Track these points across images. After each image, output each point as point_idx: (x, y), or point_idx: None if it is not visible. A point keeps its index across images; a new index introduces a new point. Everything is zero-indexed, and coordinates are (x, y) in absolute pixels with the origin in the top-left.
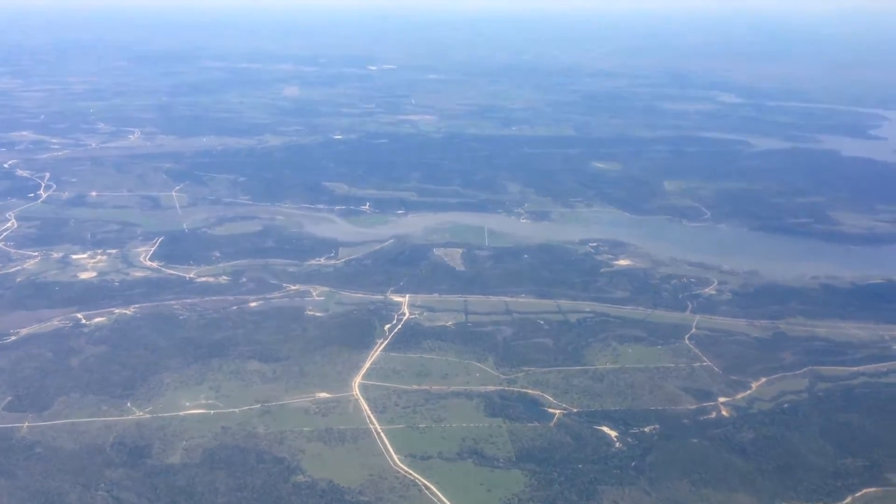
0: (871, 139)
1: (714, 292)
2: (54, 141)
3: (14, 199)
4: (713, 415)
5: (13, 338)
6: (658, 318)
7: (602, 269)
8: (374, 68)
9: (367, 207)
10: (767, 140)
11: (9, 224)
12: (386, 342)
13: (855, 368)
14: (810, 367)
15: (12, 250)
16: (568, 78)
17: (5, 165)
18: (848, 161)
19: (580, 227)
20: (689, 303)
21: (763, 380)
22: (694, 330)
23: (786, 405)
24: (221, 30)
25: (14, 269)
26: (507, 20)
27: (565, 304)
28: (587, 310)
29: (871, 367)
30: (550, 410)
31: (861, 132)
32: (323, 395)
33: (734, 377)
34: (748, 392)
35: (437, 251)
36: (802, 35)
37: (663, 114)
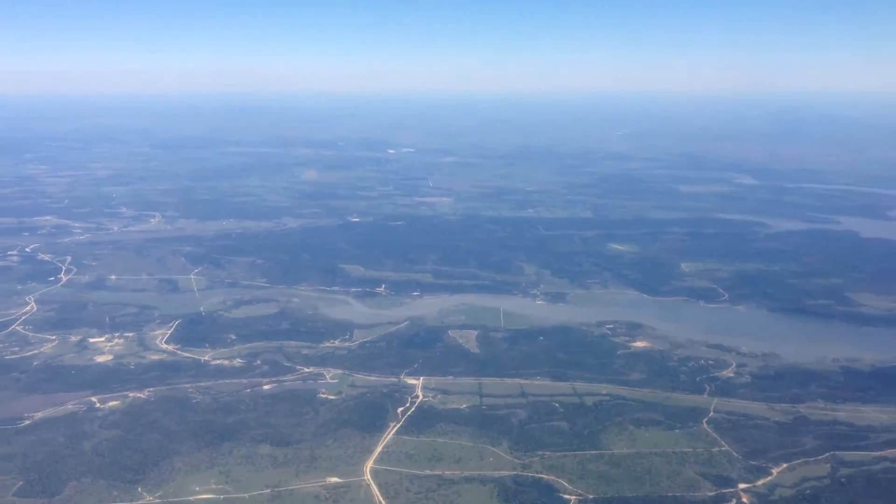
0: (890, 220)
1: (732, 375)
2: (77, 225)
3: (34, 283)
4: (733, 502)
5: (27, 422)
6: (675, 401)
7: (619, 351)
8: (392, 152)
9: (382, 289)
10: (785, 221)
11: (28, 308)
12: (399, 425)
13: (878, 453)
14: (832, 452)
15: (31, 334)
16: (583, 160)
17: (27, 249)
18: (867, 242)
19: (597, 309)
20: (706, 385)
21: (784, 465)
22: (712, 413)
23: (808, 492)
24: (243, 117)
25: (31, 353)
26: (522, 104)
27: (581, 386)
28: (603, 392)
29: (893, 452)
30: (566, 497)
31: (880, 213)
32: (334, 479)
33: (754, 462)
34: (769, 478)
35: (452, 333)
36: (817, 116)
37: (679, 196)
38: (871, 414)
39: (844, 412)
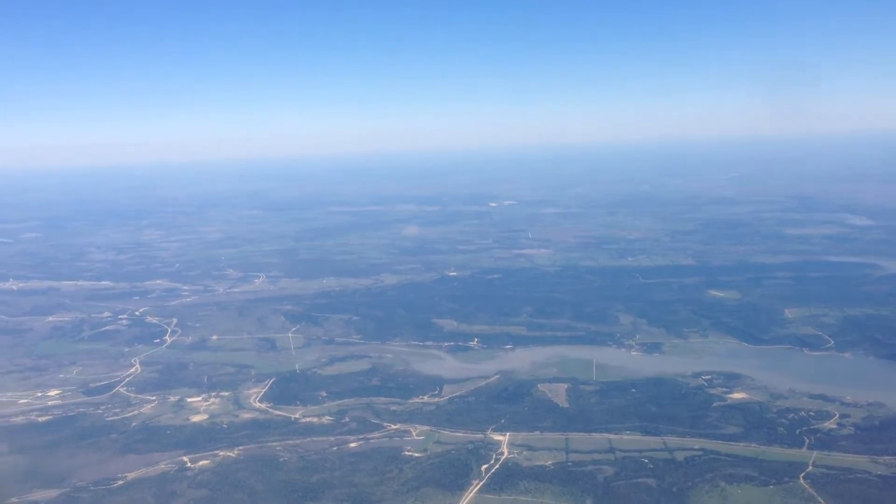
0: None
1: (835, 426)
2: (185, 288)
3: (141, 346)
4: None
5: (120, 482)
6: (772, 456)
7: (714, 403)
8: (494, 205)
9: (475, 343)
10: None
11: (133, 369)
12: (481, 483)
13: None
14: None
15: (132, 395)
16: (688, 206)
17: (136, 313)
18: None
19: (693, 359)
20: (806, 438)
21: None
22: (810, 468)
23: None
24: (346, 177)
25: (131, 414)
26: (627, 152)
27: (673, 441)
28: (696, 447)
29: None
30: None
31: None
32: None
33: None
34: None
35: (541, 387)
36: None
37: (787, 239)
38: None
39: None
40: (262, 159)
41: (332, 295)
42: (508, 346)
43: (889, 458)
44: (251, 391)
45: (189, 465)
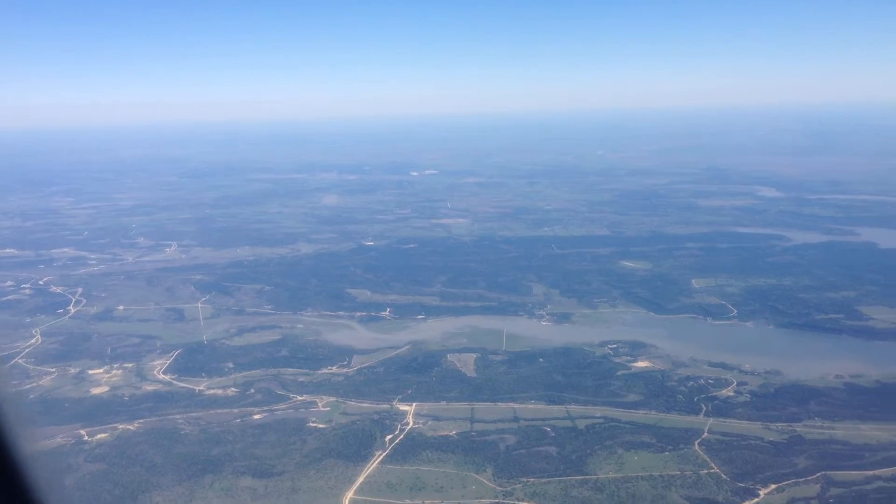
0: None
1: (732, 394)
2: (93, 256)
3: (43, 316)
4: None
5: None
6: (670, 423)
7: (619, 372)
8: (415, 174)
9: (387, 313)
10: (804, 234)
11: (33, 340)
12: (385, 454)
13: (871, 472)
14: (824, 472)
15: (31, 367)
16: (607, 177)
17: (40, 282)
18: (884, 253)
19: (602, 329)
20: (703, 405)
21: (772, 487)
22: (706, 434)
23: None
24: (271, 144)
25: (29, 386)
26: (551, 123)
27: (575, 409)
28: (598, 415)
29: (888, 471)
30: None
31: None
32: None
33: (742, 484)
34: (755, 500)
35: (450, 357)
36: (850, 127)
37: (699, 210)
38: (869, 432)
39: (842, 430)
40: (189, 124)
41: (245, 264)
42: (421, 317)
43: (781, 424)
44: (155, 363)
45: (86, 438)
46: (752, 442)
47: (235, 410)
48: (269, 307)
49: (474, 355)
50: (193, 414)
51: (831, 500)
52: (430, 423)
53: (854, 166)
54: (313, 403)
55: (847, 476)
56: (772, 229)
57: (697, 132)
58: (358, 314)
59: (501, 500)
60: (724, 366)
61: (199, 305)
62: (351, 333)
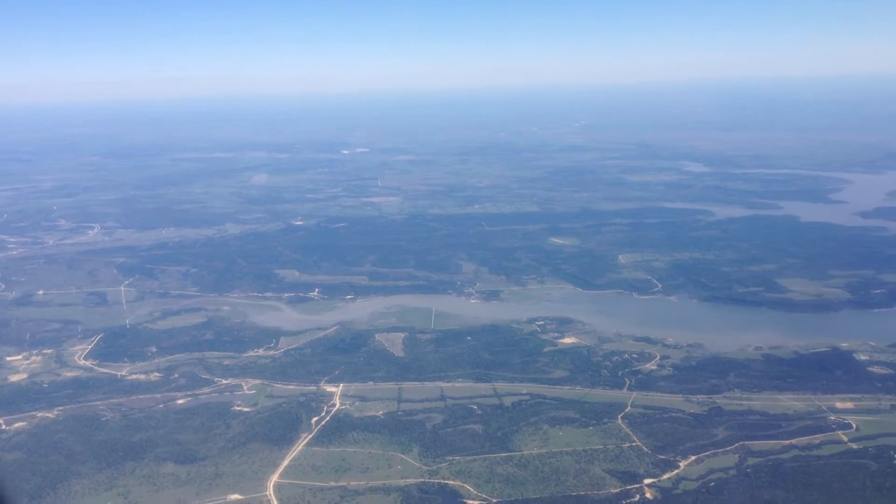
0: (832, 203)
1: (655, 367)
2: (12, 240)
3: None
4: (637, 498)
5: None
6: (595, 398)
7: (546, 349)
8: (346, 152)
9: (315, 294)
10: (728, 208)
11: None
12: (311, 436)
13: (787, 442)
14: (742, 443)
15: None
16: (539, 154)
17: None
18: (805, 227)
19: (529, 306)
20: (627, 380)
21: (692, 458)
22: (629, 408)
23: (712, 483)
24: (200, 121)
25: None
26: (485, 99)
27: (502, 386)
28: (524, 392)
29: (804, 440)
30: (469, 502)
31: (822, 197)
32: (235, 496)
33: (663, 456)
34: (675, 472)
35: (378, 337)
36: (773, 102)
37: (628, 186)
38: (786, 402)
39: (760, 401)
40: (120, 102)
41: (170, 246)
42: (349, 297)
43: (702, 396)
44: (76, 348)
45: (3, 427)
46: (674, 414)
47: (158, 395)
48: (195, 289)
49: (402, 335)
50: (115, 400)
51: (748, 470)
52: (357, 403)
53: (776, 141)
54: (238, 387)
55: (764, 446)
56: (697, 204)
57: (625, 108)
58: (286, 295)
59: (427, 479)
60: (648, 340)
61: (123, 289)
62: (278, 315)
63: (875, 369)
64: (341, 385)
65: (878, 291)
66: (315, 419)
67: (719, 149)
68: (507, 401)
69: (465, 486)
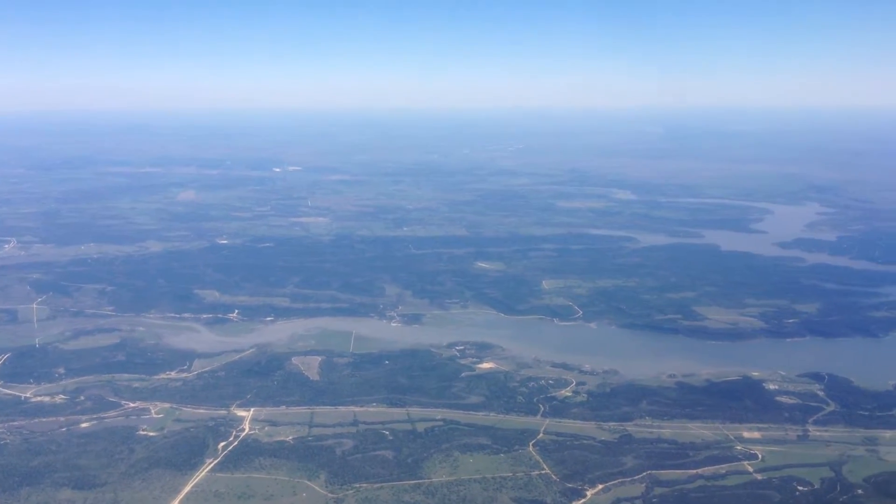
0: (752, 233)
1: (570, 394)
2: None
3: None
4: None
5: None
6: (508, 424)
7: (463, 374)
8: (278, 170)
9: (235, 315)
10: (652, 236)
11: None
12: (216, 462)
13: (694, 471)
14: (649, 472)
15: None
16: (471, 177)
17: None
18: (724, 255)
19: (451, 330)
20: (542, 406)
21: (600, 486)
22: (541, 435)
23: None
24: (133, 134)
25: None
26: (420, 120)
27: (416, 412)
28: (438, 417)
29: (710, 469)
30: None
31: (744, 226)
32: None
33: (571, 485)
34: (582, 501)
35: (295, 360)
36: (709, 132)
37: (557, 212)
38: (695, 430)
39: (670, 429)
40: (44, 112)
41: (89, 262)
42: (269, 318)
43: (614, 423)
44: None
45: None
46: (585, 442)
47: (62, 419)
48: (111, 308)
49: (320, 358)
50: (16, 423)
51: (654, 500)
52: (267, 428)
53: (705, 171)
54: (146, 410)
55: (671, 475)
56: (623, 231)
57: (562, 133)
58: (204, 316)
59: None
60: (565, 366)
61: (35, 306)
62: (194, 336)
63: (783, 399)
64: (253, 409)
65: (791, 321)
66: (222, 444)
67: (649, 177)
68: (421, 426)
69: None
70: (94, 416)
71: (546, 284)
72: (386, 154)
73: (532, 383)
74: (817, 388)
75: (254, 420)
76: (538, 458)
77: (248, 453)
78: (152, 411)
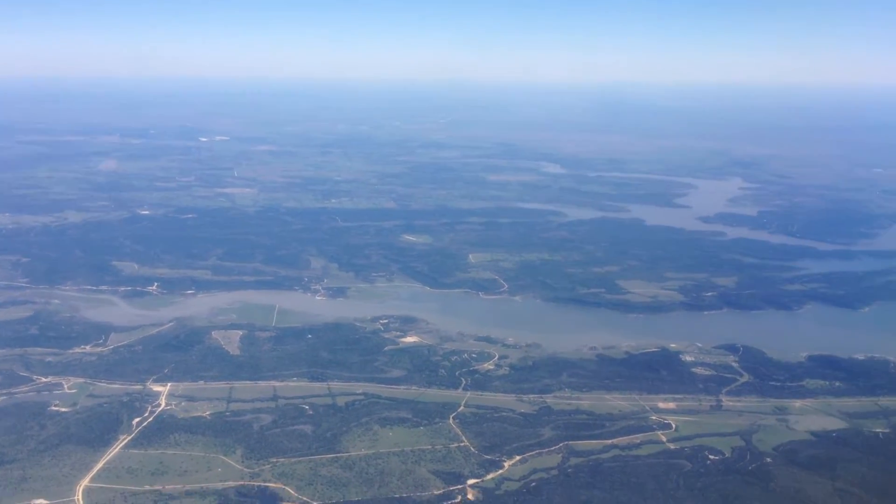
0: (677, 207)
1: (492, 367)
2: None
3: None
4: (458, 499)
5: None
6: (430, 398)
7: (387, 347)
8: (204, 140)
9: (154, 288)
10: (580, 210)
11: None
12: (130, 438)
13: (609, 441)
14: (566, 443)
15: None
16: (400, 149)
17: None
18: (649, 230)
19: (375, 304)
20: (463, 379)
21: (517, 458)
22: (462, 408)
23: (533, 484)
24: (52, 102)
25: None
26: (353, 91)
27: (337, 386)
28: (359, 391)
29: (625, 440)
30: None
31: (668, 201)
32: (40, 501)
33: (489, 457)
34: (499, 472)
35: (215, 334)
36: (642, 108)
37: (486, 185)
38: (613, 402)
39: (588, 401)
40: None
41: (2, 233)
42: (190, 291)
43: (534, 396)
44: None
45: None
46: (504, 414)
47: None
48: (24, 280)
49: (241, 332)
50: None
51: (569, 470)
52: (183, 403)
53: (634, 146)
54: (59, 385)
55: (587, 445)
56: (551, 205)
57: (494, 105)
58: (122, 289)
59: (247, 482)
60: (489, 340)
61: None
62: (111, 309)
63: (699, 370)
64: (170, 384)
65: (710, 294)
66: (137, 420)
67: (579, 151)
68: (341, 401)
69: (287, 488)
70: (4, 391)
71: (473, 258)
72: (316, 125)
73: (455, 357)
74: (732, 360)
75: (170, 395)
76: (458, 430)
77: (163, 429)
78: (65, 386)
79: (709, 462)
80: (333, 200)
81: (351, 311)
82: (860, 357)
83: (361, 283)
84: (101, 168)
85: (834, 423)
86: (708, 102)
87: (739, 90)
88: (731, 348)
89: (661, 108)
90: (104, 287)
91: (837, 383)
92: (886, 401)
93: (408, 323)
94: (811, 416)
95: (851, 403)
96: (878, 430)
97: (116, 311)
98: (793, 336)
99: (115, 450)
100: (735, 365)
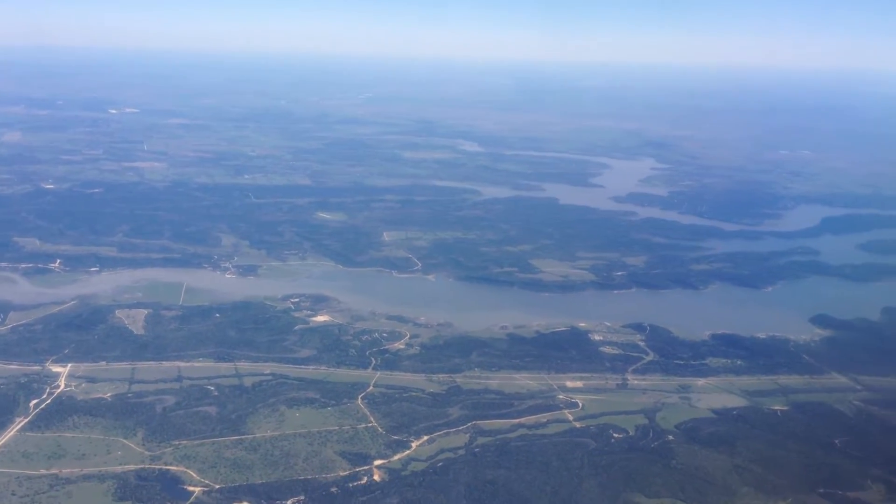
0: (591, 187)
1: (403, 347)
2: None
3: None
4: (364, 480)
5: None
6: (339, 378)
7: (297, 327)
8: (114, 112)
9: (57, 265)
10: (495, 189)
11: None
12: (26, 420)
13: (516, 420)
14: (474, 422)
15: None
16: (317, 124)
17: None
18: (563, 209)
19: (286, 282)
20: (374, 359)
21: (425, 438)
22: (371, 388)
23: (440, 464)
24: None
25: None
26: (270, 64)
27: (245, 366)
28: (266, 372)
29: (532, 419)
30: (189, 489)
31: (583, 180)
32: None
33: (396, 437)
34: (406, 452)
35: (119, 313)
36: (562, 88)
37: (403, 162)
38: (521, 381)
39: (498, 380)
40: None
41: None
42: (94, 269)
43: (443, 375)
44: None
45: None
46: (414, 394)
47: None
48: None
49: (146, 311)
50: None
51: (476, 450)
52: (84, 385)
53: (551, 125)
54: None
55: (494, 425)
56: (467, 183)
57: (414, 81)
58: (22, 266)
59: (147, 465)
60: (400, 319)
61: None
62: (11, 287)
63: (607, 349)
64: (70, 365)
65: (620, 274)
66: (34, 402)
67: (496, 129)
68: (248, 381)
69: (189, 471)
70: None
71: (387, 236)
72: (231, 98)
73: (366, 336)
74: (639, 339)
75: (70, 376)
76: (366, 411)
77: (61, 411)
78: None
79: (613, 440)
80: (247, 176)
81: (261, 290)
82: (762, 336)
83: (273, 261)
84: (3, 140)
85: (735, 401)
86: (630, 83)
87: (663, 71)
88: (639, 327)
89: (581, 88)
90: (4, 264)
91: (739, 362)
92: (785, 379)
93: (319, 302)
94: (713, 394)
95: (752, 381)
96: (776, 408)
97: (16, 288)
98: (698, 315)
99: (10, 433)
100: (642, 344)
